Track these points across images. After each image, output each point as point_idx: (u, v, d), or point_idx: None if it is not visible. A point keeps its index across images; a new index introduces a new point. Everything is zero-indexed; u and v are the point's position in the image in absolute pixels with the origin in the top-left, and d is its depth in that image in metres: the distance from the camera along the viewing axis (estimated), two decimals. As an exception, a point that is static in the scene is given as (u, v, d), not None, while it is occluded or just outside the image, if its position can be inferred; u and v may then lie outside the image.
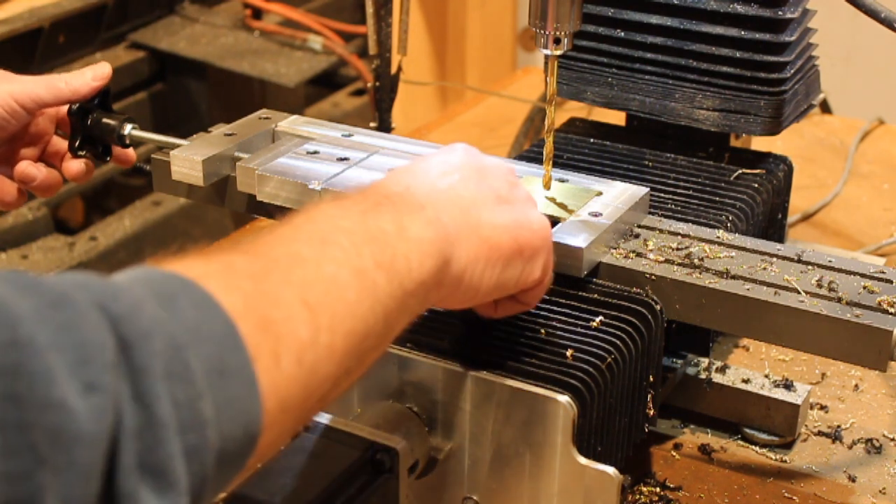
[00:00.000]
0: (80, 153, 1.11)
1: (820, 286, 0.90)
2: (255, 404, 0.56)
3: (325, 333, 0.62)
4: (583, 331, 0.88)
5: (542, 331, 0.88)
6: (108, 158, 1.14)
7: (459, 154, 0.81)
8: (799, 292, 0.89)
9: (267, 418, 0.57)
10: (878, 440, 1.03)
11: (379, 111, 1.48)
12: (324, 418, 0.78)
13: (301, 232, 0.67)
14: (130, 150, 1.15)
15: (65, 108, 1.12)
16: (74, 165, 1.13)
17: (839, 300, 0.88)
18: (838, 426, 1.05)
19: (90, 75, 1.09)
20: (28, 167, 1.11)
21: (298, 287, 0.62)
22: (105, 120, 1.12)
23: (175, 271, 0.57)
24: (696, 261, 0.94)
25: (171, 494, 0.51)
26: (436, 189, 0.76)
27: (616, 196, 1.00)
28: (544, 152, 1.01)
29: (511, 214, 0.78)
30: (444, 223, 0.73)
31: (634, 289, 0.93)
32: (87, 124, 1.11)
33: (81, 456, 0.47)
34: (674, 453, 1.02)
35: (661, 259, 0.94)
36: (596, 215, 0.96)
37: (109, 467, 0.49)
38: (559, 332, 0.88)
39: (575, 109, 1.61)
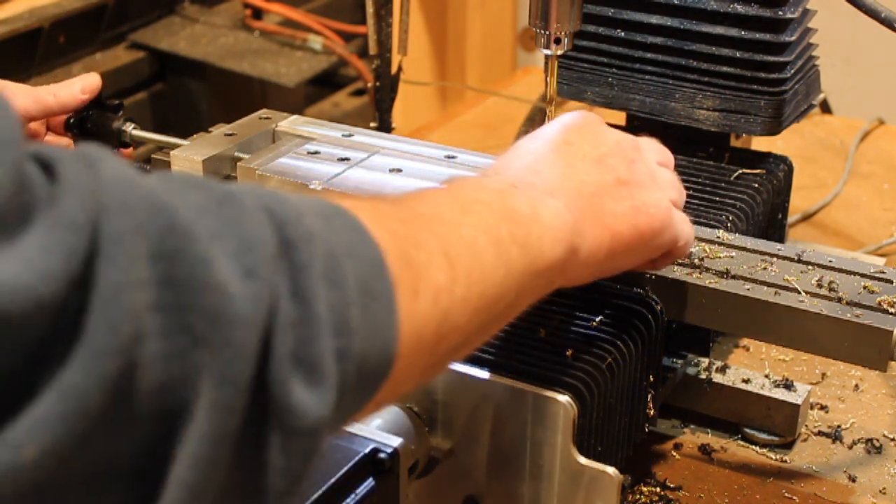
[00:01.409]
0: (71, 131, 1.11)
1: (820, 286, 0.90)
2: (393, 328, 0.57)
3: (461, 285, 0.63)
4: (583, 331, 0.88)
5: (542, 331, 0.88)
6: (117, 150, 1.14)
7: (583, 132, 0.82)
8: (799, 292, 0.89)
9: (402, 347, 0.58)
10: (878, 440, 1.03)
11: (379, 111, 1.48)
12: (324, 418, 0.78)
13: (443, 197, 0.69)
14: (130, 151, 1.15)
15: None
16: None
17: (839, 300, 0.88)
18: (838, 426, 1.05)
19: (79, 87, 1.09)
20: None
21: (440, 239, 0.63)
22: (105, 122, 1.12)
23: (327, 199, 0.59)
24: (696, 261, 0.94)
25: (321, 389, 0.51)
26: (563, 178, 0.77)
27: (616, 196, 1.00)
28: (544, 152, 1.00)
29: (630, 201, 0.79)
30: (572, 214, 0.74)
31: (634, 289, 0.93)
32: (86, 130, 1.11)
33: (238, 336, 0.47)
34: (674, 453, 1.02)
35: (662, 259, 0.94)
36: (596, 215, 0.96)
37: (263, 355, 0.49)
38: (559, 332, 0.88)
39: (575, 109, 1.61)
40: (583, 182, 0.78)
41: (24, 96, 1.06)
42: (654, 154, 0.85)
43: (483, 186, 0.73)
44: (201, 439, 0.47)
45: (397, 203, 0.66)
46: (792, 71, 1.14)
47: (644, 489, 0.97)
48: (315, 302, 0.51)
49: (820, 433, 1.05)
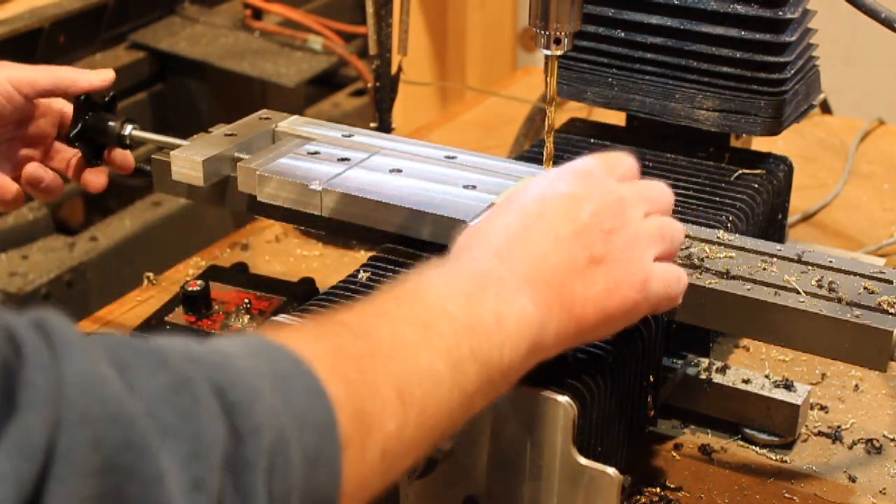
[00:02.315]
0: (74, 144, 1.11)
1: (820, 286, 0.90)
2: (335, 489, 0.58)
3: (412, 427, 0.64)
4: (583, 331, 0.88)
5: (543, 331, 0.88)
6: (97, 162, 1.13)
7: (557, 206, 0.79)
8: (799, 292, 0.89)
9: (344, 497, 0.59)
10: (878, 440, 1.03)
11: (379, 111, 1.48)
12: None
13: (409, 310, 0.69)
14: (129, 156, 1.15)
15: (68, 108, 1.12)
16: (95, 178, 1.13)
17: (839, 300, 0.88)
18: (838, 426, 1.05)
19: (94, 75, 1.10)
20: (37, 169, 1.11)
21: (397, 378, 0.64)
22: (102, 124, 1.12)
23: (289, 347, 0.60)
24: (696, 261, 0.94)
25: None
26: (532, 267, 0.75)
27: (616, 196, 1.00)
28: (544, 153, 1.01)
29: (603, 283, 0.77)
30: (539, 308, 0.74)
31: (634, 289, 0.93)
32: (88, 139, 1.11)
33: None
34: (674, 453, 1.02)
35: (662, 259, 0.94)
36: (596, 215, 0.96)
37: None
38: (559, 333, 0.88)
39: (575, 109, 1.61)
40: (553, 269, 0.76)
41: (35, 70, 1.07)
42: (641, 208, 0.82)
43: (453, 289, 0.72)
44: None
45: (359, 328, 0.66)
46: (792, 71, 1.14)
47: (644, 489, 0.97)
48: (254, 499, 0.53)
49: (820, 433, 1.05)
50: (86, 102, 1.11)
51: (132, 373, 0.51)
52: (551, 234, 0.77)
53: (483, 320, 0.71)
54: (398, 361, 0.65)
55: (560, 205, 0.79)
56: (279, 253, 1.39)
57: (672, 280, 0.83)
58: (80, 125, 1.11)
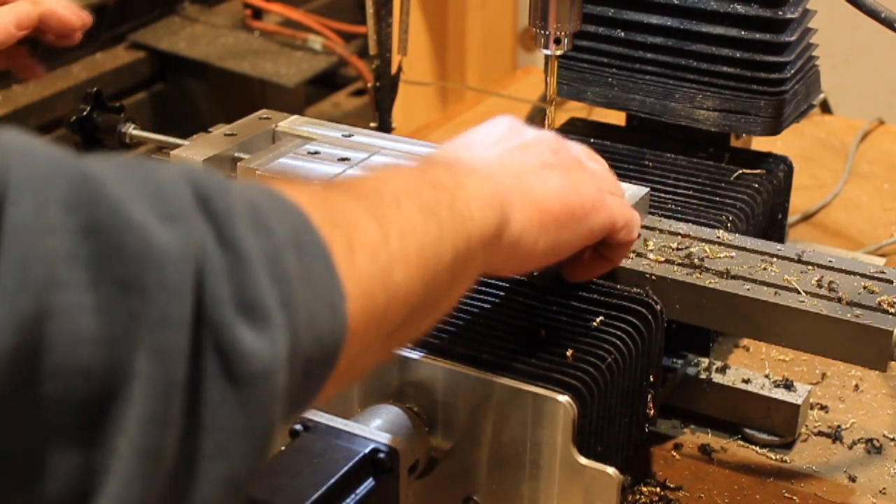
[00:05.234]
0: (73, 130, 1.12)
1: (820, 286, 0.90)
2: (336, 286, 0.54)
3: (396, 241, 0.60)
4: (583, 331, 0.88)
5: (542, 331, 0.88)
6: (87, 150, 1.14)
7: (501, 128, 0.82)
8: (799, 292, 0.89)
9: (352, 308, 0.54)
10: (878, 440, 1.03)
11: (379, 111, 1.48)
12: (324, 418, 0.78)
13: (358, 178, 0.67)
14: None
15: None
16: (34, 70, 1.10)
17: (839, 300, 0.88)
18: (838, 426, 1.05)
19: (14, 24, 1.02)
20: None
21: (363, 203, 0.60)
22: (106, 122, 1.12)
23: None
24: (696, 261, 0.94)
25: (269, 331, 0.48)
26: (484, 157, 0.76)
27: (616, 196, 1.00)
28: (544, 152, 1.00)
29: (558, 180, 0.78)
30: (499, 183, 0.73)
31: (634, 289, 0.93)
32: (87, 130, 1.12)
33: (170, 277, 0.45)
34: (674, 453, 1.02)
35: (662, 259, 0.94)
36: (596, 215, 0.96)
37: (200, 298, 0.47)
38: (559, 332, 0.88)
39: (575, 109, 1.61)
40: (507, 163, 0.77)
41: None
42: (582, 151, 0.85)
43: (399, 168, 0.71)
44: (148, 394, 0.44)
45: (309, 181, 0.64)
46: (792, 71, 1.14)
47: (644, 489, 0.97)
48: (244, 246, 0.49)
49: (820, 433, 1.05)
50: (77, 124, 1.11)
51: (71, 154, 0.47)
52: (498, 147, 0.79)
53: (441, 180, 0.68)
54: (359, 194, 0.61)
55: (503, 130, 0.82)
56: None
57: (626, 208, 0.85)
58: (81, 115, 1.11)
